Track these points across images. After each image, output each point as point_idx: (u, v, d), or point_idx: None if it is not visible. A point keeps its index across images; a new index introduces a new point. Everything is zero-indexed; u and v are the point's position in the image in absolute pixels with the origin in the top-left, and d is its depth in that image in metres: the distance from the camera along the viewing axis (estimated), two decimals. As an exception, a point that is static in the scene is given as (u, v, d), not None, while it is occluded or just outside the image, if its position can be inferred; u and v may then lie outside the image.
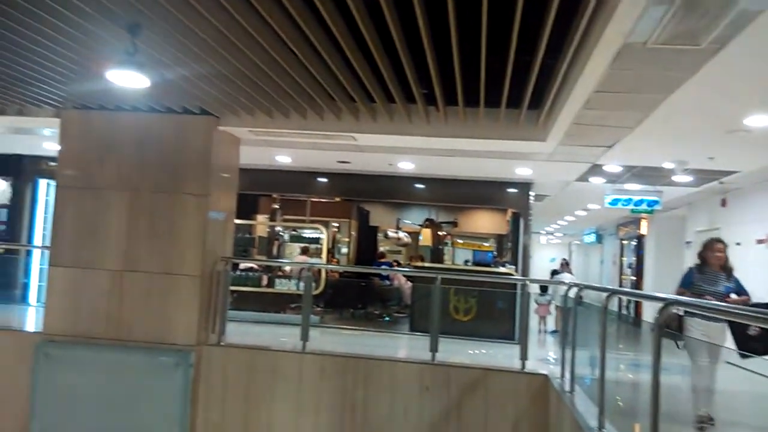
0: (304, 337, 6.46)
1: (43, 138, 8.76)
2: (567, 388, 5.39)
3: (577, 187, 10.61)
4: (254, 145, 7.41)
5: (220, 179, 6.68)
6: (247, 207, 11.01)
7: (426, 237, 13.27)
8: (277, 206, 12.68)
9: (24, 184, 11.23)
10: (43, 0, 3.51)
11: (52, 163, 10.74)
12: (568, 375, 5.49)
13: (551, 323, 10.69)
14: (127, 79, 4.06)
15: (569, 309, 6.04)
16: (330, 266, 11.47)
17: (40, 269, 10.31)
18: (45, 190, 11.20)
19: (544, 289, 10.64)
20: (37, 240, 11.16)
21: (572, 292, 5.97)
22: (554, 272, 12.49)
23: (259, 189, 11.48)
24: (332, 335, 8.63)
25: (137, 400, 6.20)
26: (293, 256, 12.09)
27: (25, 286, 10.54)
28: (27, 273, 10.56)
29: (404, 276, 11.22)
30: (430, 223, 13.27)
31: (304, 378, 6.28)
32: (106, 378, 6.26)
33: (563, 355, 5.85)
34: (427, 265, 11.76)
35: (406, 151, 8.12)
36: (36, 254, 10.74)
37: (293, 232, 12.89)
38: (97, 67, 4.59)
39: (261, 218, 13.10)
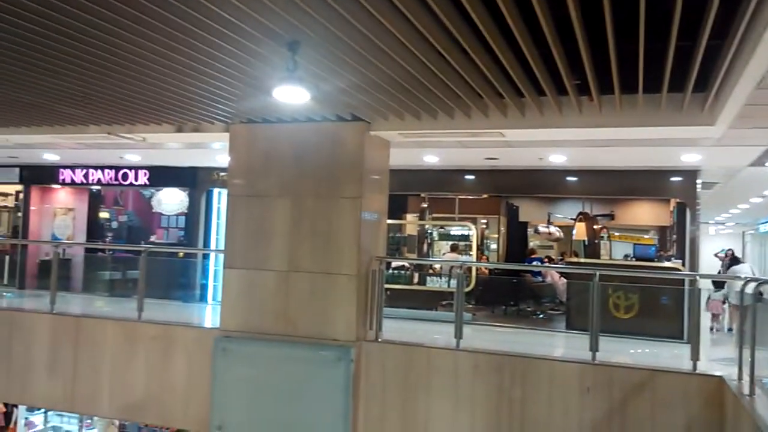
0: (458, 335, 6.51)
1: (215, 151, 9.59)
2: (746, 391, 4.97)
3: (751, 172, 9.69)
4: (403, 147, 7.59)
5: (372, 182, 6.93)
6: (396, 207, 11.30)
7: (580, 231, 12.79)
8: (425, 205, 12.87)
9: (199, 193, 12.37)
10: (214, 27, 3.86)
11: (223, 174, 11.76)
12: (747, 377, 5.06)
13: (725, 321, 9.87)
14: (289, 95, 4.35)
15: (747, 306, 5.54)
16: (482, 264, 11.43)
17: (215, 270, 11.31)
18: (217, 198, 12.26)
19: (718, 285, 9.83)
20: (212, 244, 12.23)
21: (750, 287, 5.48)
22: (732, 262, 11.45)
23: (408, 189, 11.72)
24: (485, 332, 8.61)
25: (303, 392, 6.61)
26: (442, 254, 12.21)
27: (203, 286, 11.59)
28: (204, 274, 11.61)
29: (558, 272, 10.91)
30: (584, 217, 12.77)
31: (459, 374, 6.34)
32: (275, 371, 6.73)
33: (741, 355, 5.39)
34: (583, 260, 11.34)
35: (558, 144, 7.89)
36: (211, 257, 11.79)
37: (441, 230, 13.01)
38: (261, 85, 4.98)
39: (410, 217, 13.37)
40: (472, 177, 11.25)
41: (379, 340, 6.78)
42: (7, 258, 13.11)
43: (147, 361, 7.45)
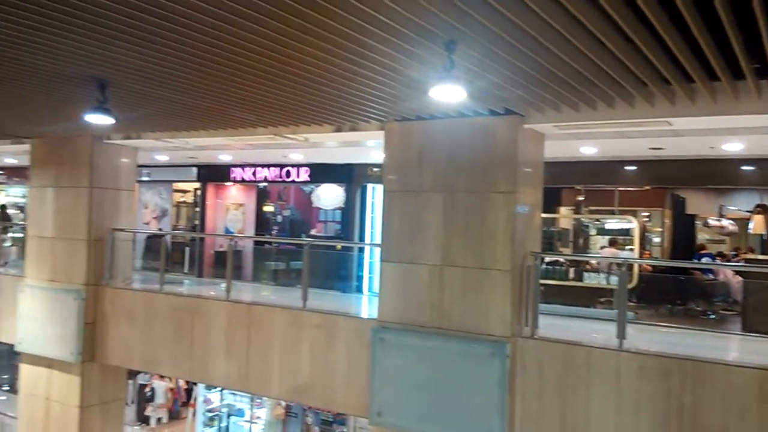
0: (621, 334, 6.24)
1: (369, 148, 9.94)
2: None
3: None
4: (558, 139, 7.39)
5: (526, 175, 6.81)
6: (550, 200, 11.00)
7: (758, 224, 11.65)
8: (581, 198, 12.40)
9: (354, 189, 12.89)
10: (375, 32, 4.02)
11: (376, 169, 12.17)
12: None
13: None
14: (446, 93, 4.42)
15: None
16: (648, 261, 10.81)
17: (370, 263, 11.74)
18: (371, 193, 12.70)
19: None
20: (367, 237, 12.71)
21: None
22: None
23: (563, 182, 11.37)
24: (649, 332, 8.14)
25: (458, 386, 6.68)
26: (599, 248, 11.70)
27: (359, 278, 12.08)
28: (360, 266, 12.09)
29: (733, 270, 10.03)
30: (762, 209, 11.62)
31: (621, 376, 6.07)
32: (430, 362, 6.87)
33: None
34: (761, 257, 10.32)
35: (733, 131, 7.25)
36: (366, 250, 12.25)
37: (598, 224, 12.46)
38: (418, 85, 5.10)
39: (564, 211, 12.95)
40: (633, 168, 10.68)
41: (535, 336, 6.67)
42: (187, 249, 14.53)
43: (311, 347, 7.92)
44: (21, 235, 13.64)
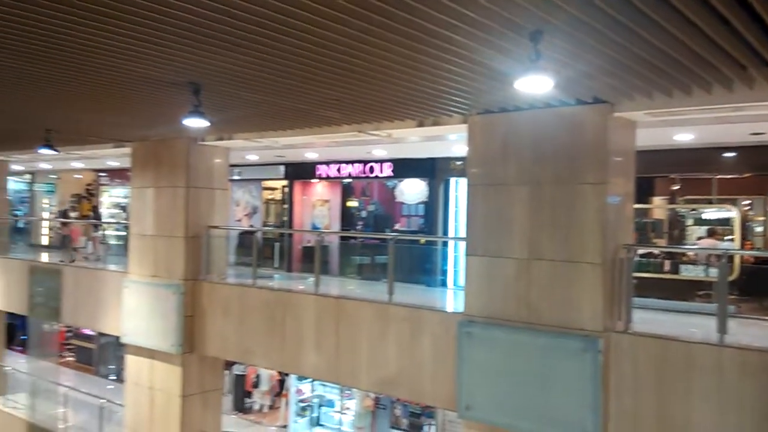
0: (722, 329, 5.94)
1: (452, 142, 9.92)
2: None
3: None
4: (650, 127, 7.10)
5: (616, 165, 6.59)
6: (642, 190, 10.57)
7: None
8: (676, 187, 11.85)
9: (437, 183, 12.89)
10: (458, 26, 4.02)
11: (459, 163, 12.12)
12: None
13: None
14: (531, 85, 4.36)
15: None
16: (747, 252, 10.22)
17: (455, 257, 11.71)
18: (454, 187, 12.66)
19: None
20: (450, 231, 12.68)
21: None
22: None
23: (656, 171, 10.91)
24: (753, 327, 7.70)
25: (548, 381, 6.57)
26: (695, 240, 11.15)
27: (444, 272, 12.08)
28: (444, 260, 12.09)
29: None
30: None
31: (724, 373, 5.78)
32: (519, 357, 6.80)
33: None
34: None
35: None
36: (450, 244, 12.23)
37: (694, 213, 11.88)
38: (502, 77, 5.05)
39: (658, 201, 12.42)
40: (732, 154, 10.10)
41: (629, 331, 6.46)
42: (276, 245, 14.99)
43: (397, 340, 8.02)
44: (111, 232, 14.61)
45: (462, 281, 7.73)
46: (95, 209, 19.03)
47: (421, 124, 7.77)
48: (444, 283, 12.01)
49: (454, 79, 5.38)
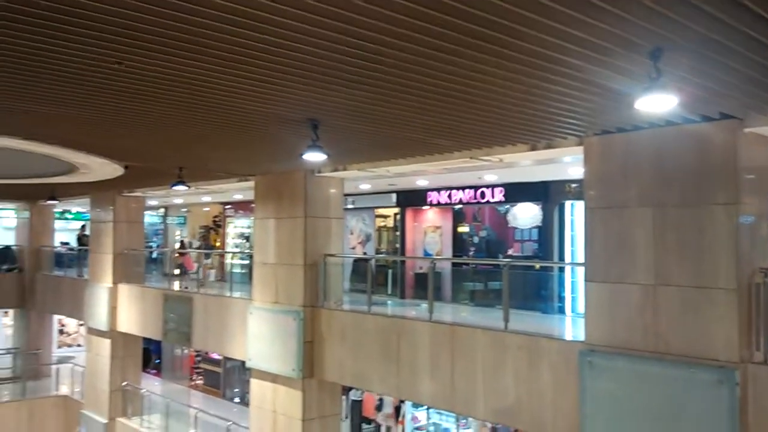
0: None
1: (566, 165, 9.69)
2: None
3: None
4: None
5: (749, 183, 6.16)
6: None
7: None
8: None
9: (551, 207, 12.59)
10: (570, 48, 3.97)
11: (575, 186, 11.79)
12: None
13: None
14: (653, 104, 4.21)
15: None
16: None
17: (572, 282, 11.34)
18: (570, 210, 12.30)
19: None
20: (567, 256, 12.30)
21: None
22: None
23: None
24: None
25: (679, 415, 6.16)
26: None
27: (561, 298, 11.71)
28: (561, 286, 11.73)
29: None
30: None
31: None
32: (647, 389, 6.43)
33: None
34: None
35: None
36: (567, 269, 11.85)
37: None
38: (620, 97, 4.91)
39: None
40: None
41: (770, 363, 5.96)
42: (389, 271, 15.19)
43: (514, 368, 7.85)
44: (236, 261, 15.41)
45: (581, 308, 7.47)
46: (206, 238, 20.51)
47: (534, 148, 7.67)
48: (561, 310, 11.62)
49: (569, 101, 5.30)
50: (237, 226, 21.60)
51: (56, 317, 22.53)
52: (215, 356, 18.84)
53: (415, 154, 8.57)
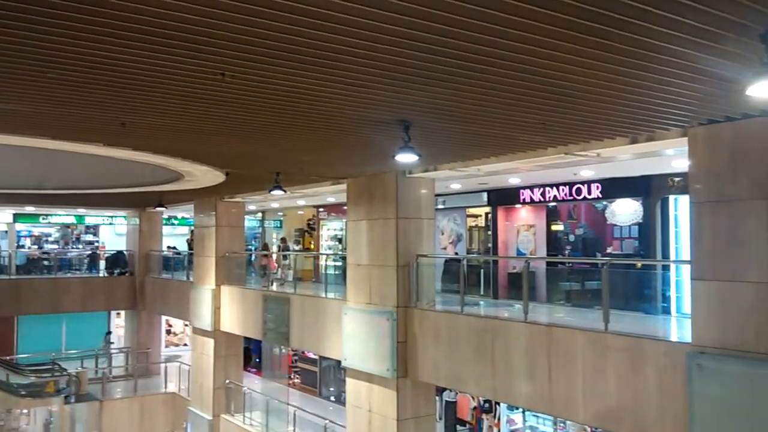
0: None
1: (668, 157, 9.23)
2: None
3: None
4: None
5: None
6: None
7: None
8: None
9: (653, 202, 12.03)
10: (675, 35, 3.79)
11: (678, 179, 11.22)
12: None
13: None
14: (766, 89, 3.94)
15: None
16: None
17: (677, 281, 10.79)
18: (673, 205, 11.71)
19: None
20: (671, 253, 11.71)
21: None
22: None
23: None
24: None
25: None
26: None
27: (665, 298, 11.16)
28: (665, 285, 11.18)
29: None
30: None
31: None
32: (762, 394, 6.03)
33: None
34: None
35: None
36: (672, 267, 11.29)
37: None
38: (728, 84, 4.64)
39: None
40: None
41: None
42: (481, 271, 15.02)
43: (616, 371, 7.56)
44: (330, 262, 15.72)
45: (687, 308, 7.09)
46: (284, 241, 21.31)
47: (634, 141, 7.37)
48: (666, 310, 11.07)
49: (673, 91, 5.06)
50: (330, 229, 22.07)
51: (164, 318, 23.90)
52: (311, 355, 19.33)
53: (507, 152, 8.44)
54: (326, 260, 16.04)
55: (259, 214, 25.30)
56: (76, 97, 5.60)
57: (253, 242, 25.08)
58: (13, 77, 4.95)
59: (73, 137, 7.97)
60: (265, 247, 21.82)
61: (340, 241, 21.09)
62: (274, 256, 18.39)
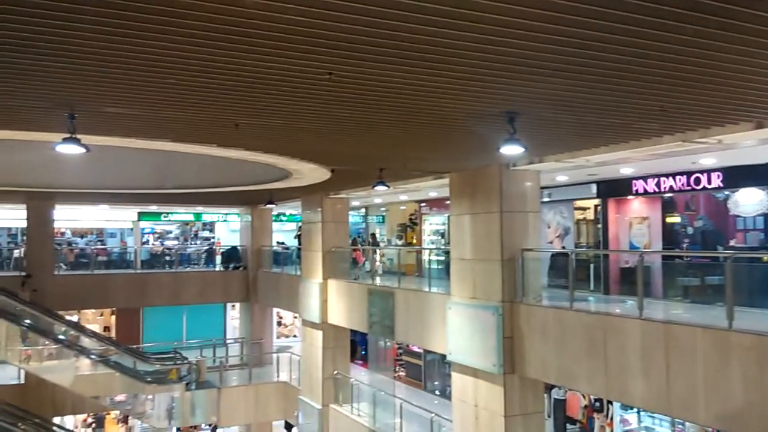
0: None
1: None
2: None
3: None
4: None
5: None
6: None
7: None
8: None
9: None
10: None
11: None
12: None
13: None
14: None
15: None
16: None
17: (812, 276, 9.91)
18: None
19: None
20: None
21: None
22: None
23: None
24: None
25: None
26: None
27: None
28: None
29: None
30: None
31: None
32: None
33: None
34: None
35: None
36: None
37: None
38: None
39: None
40: None
41: None
42: (591, 266, 14.48)
43: (743, 371, 7.08)
44: (433, 257, 15.72)
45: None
46: (373, 237, 22.09)
47: (760, 126, 6.85)
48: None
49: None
50: (432, 224, 22.09)
51: (275, 310, 24.89)
52: (416, 349, 19.46)
53: (619, 141, 8.09)
54: (429, 255, 16.06)
55: (363, 210, 25.75)
56: (194, 100, 5.94)
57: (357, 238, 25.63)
58: (137, 83, 5.32)
59: (191, 139, 8.45)
60: (373, 238, 22.39)
61: (442, 235, 21.06)
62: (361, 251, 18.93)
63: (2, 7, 3.56)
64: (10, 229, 28.56)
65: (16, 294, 18.20)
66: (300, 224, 21.57)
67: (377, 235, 23.36)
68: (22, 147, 9.72)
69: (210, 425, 22.03)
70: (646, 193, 13.95)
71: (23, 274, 19.56)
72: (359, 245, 19.37)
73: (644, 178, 13.67)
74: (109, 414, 22.85)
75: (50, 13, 3.65)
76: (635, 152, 8.83)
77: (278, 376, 20.28)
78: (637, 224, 14.71)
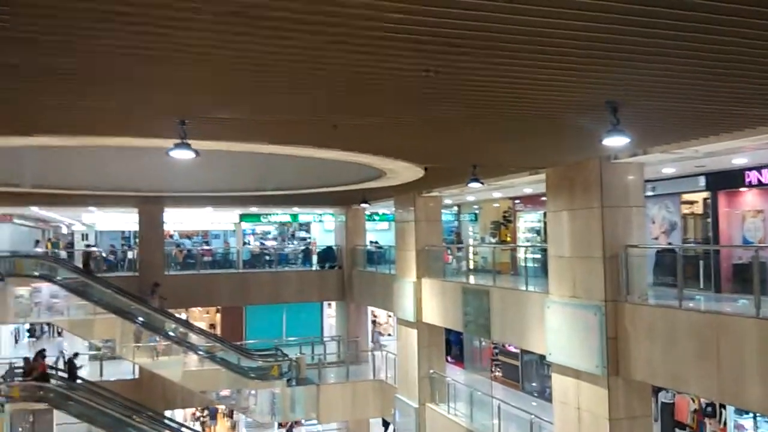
0: None
1: None
2: None
3: None
4: None
5: None
6: None
7: None
8: None
9: None
10: None
11: None
12: None
13: None
14: None
15: None
16: None
17: None
18: None
19: None
20: None
21: None
22: None
23: None
24: None
25: None
26: None
27: None
28: None
29: None
30: None
31: None
32: None
33: None
34: None
35: None
36: None
37: None
38: None
39: None
40: None
41: None
42: (700, 263, 13.70)
43: None
44: (529, 255, 15.37)
45: None
46: (458, 235, 22.51)
47: None
48: None
49: None
50: (527, 221, 21.63)
51: (370, 309, 25.21)
52: (512, 349, 19.12)
53: (732, 129, 7.60)
54: (525, 252, 15.74)
55: (455, 208, 25.59)
56: (292, 102, 6.12)
57: (450, 236, 25.49)
58: (240, 87, 5.55)
59: (288, 141, 8.70)
60: (458, 237, 22.49)
61: (537, 233, 20.57)
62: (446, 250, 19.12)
63: (138, 28, 3.81)
64: (123, 232, 30.53)
65: (145, 300, 19.49)
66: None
67: (464, 234, 23.34)
68: (133, 154, 10.38)
69: (293, 423, 22.67)
70: (760, 184, 13.04)
71: (153, 282, 20.27)
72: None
73: (759, 168, 12.78)
74: (218, 409, 23.97)
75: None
76: (750, 141, 8.29)
77: (375, 375, 20.51)
78: (750, 218, 13.77)
